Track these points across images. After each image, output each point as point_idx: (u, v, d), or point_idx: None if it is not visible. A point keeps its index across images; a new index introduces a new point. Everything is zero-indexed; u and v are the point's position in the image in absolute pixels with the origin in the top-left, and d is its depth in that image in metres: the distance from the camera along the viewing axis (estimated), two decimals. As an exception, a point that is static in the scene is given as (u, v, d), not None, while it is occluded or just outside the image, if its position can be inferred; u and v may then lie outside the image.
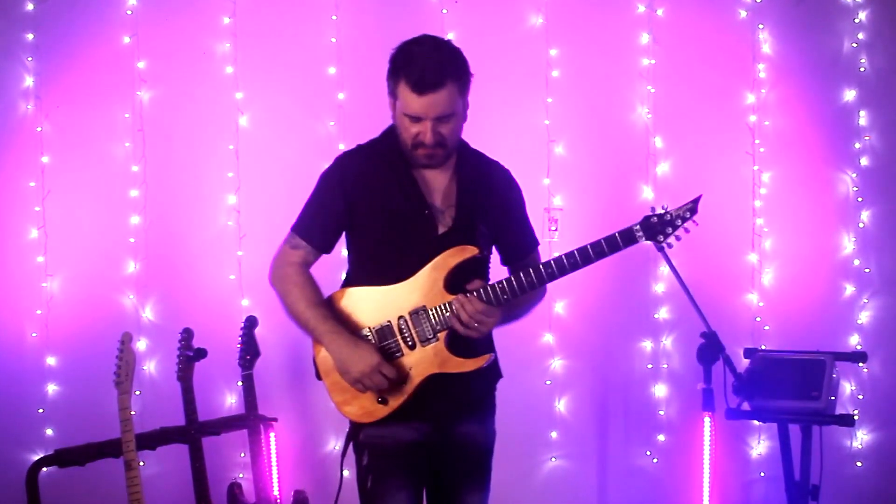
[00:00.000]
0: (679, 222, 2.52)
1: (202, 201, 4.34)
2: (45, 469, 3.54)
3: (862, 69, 4.42)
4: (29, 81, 4.31)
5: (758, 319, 4.41)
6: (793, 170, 4.43)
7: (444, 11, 4.34)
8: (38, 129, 4.30)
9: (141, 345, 4.29)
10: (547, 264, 2.54)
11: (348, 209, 2.64)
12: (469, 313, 2.52)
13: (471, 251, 2.57)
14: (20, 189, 4.29)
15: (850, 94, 4.43)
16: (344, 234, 2.72)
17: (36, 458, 3.83)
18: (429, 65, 2.52)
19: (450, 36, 4.30)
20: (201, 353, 3.58)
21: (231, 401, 4.31)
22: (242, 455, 4.24)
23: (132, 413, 3.31)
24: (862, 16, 4.43)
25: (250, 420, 3.76)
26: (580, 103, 4.41)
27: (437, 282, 2.56)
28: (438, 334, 2.56)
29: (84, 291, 4.30)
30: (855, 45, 4.43)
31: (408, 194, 2.62)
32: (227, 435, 3.88)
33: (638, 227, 2.52)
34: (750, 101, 4.42)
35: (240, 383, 3.83)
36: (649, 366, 4.44)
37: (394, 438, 2.62)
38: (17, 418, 4.27)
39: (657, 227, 2.51)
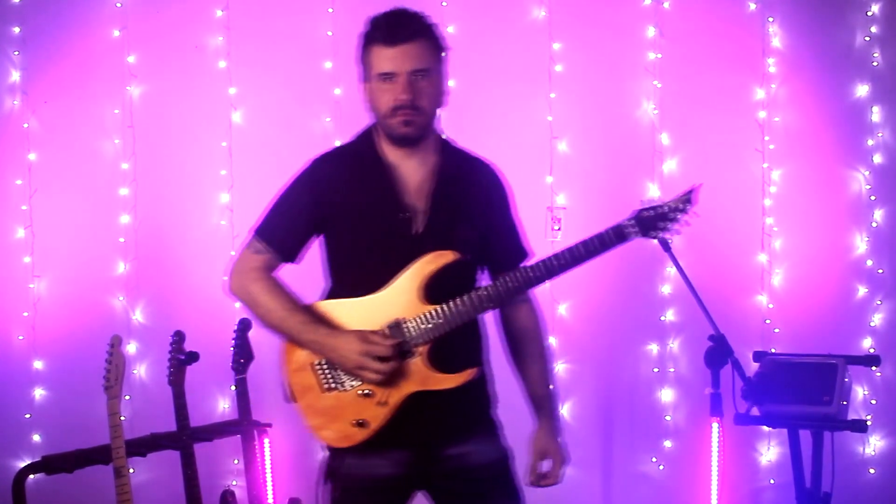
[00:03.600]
0: (675, 215, 2.39)
1: (194, 200, 4.35)
2: (31, 476, 3.53)
3: (875, 63, 4.43)
4: (15, 76, 4.31)
5: (767, 322, 4.41)
6: (803, 167, 4.44)
7: (444, 4, 4.34)
8: (25, 125, 4.30)
9: (131, 348, 4.29)
10: (533, 266, 2.42)
11: (320, 216, 2.53)
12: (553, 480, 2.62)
13: (449, 256, 2.44)
14: (6, 187, 4.30)
15: (862, 90, 4.44)
16: (324, 247, 2.61)
17: (22, 464, 3.83)
18: (400, 18, 2.47)
19: (449, 30, 4.30)
20: (193, 357, 3.57)
21: (224, 406, 4.32)
22: (236, 462, 4.24)
23: (122, 418, 3.31)
24: (875, 9, 4.43)
25: (244, 426, 3.76)
26: (584, 99, 4.41)
27: (413, 291, 2.43)
28: (418, 349, 2.43)
29: (72, 293, 4.30)
30: (867, 38, 4.43)
31: (382, 196, 2.50)
32: (219, 441, 3.88)
33: (630, 222, 2.39)
34: (759, 97, 4.42)
35: (233, 388, 3.83)
36: (655, 370, 4.44)
37: (369, 472, 2.50)
38: (3, 424, 4.28)
39: (651, 222, 2.38)
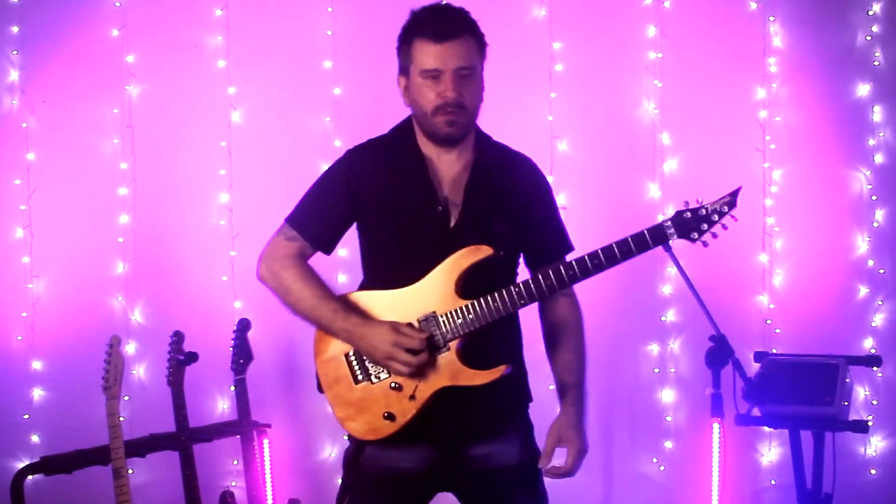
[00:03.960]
0: (716, 217, 2.40)
1: (193, 200, 4.35)
2: (30, 477, 3.54)
3: (876, 63, 4.42)
4: (14, 76, 4.31)
5: (768, 322, 4.41)
6: (805, 167, 4.43)
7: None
8: (24, 125, 4.30)
9: (130, 348, 4.29)
10: (568, 265, 2.41)
11: (354, 207, 2.53)
12: (566, 469, 2.53)
13: (485, 251, 2.43)
14: (5, 187, 4.29)
15: (863, 89, 4.44)
16: (359, 239, 2.62)
17: (21, 465, 3.83)
18: (446, 14, 2.49)
19: (450, 29, 4.29)
20: (192, 357, 3.58)
21: (223, 406, 4.31)
22: (235, 462, 4.24)
23: (121, 419, 3.31)
24: (876, 8, 4.43)
25: (243, 426, 3.76)
26: (584, 98, 4.41)
27: (448, 285, 2.43)
28: (450, 343, 2.42)
29: (71, 293, 4.30)
30: (869, 38, 4.43)
31: (418, 188, 2.50)
32: (219, 442, 3.88)
33: (669, 223, 2.40)
34: (760, 96, 4.42)
35: (232, 388, 3.83)
36: (656, 370, 4.44)
37: (388, 465, 2.50)
38: (1, 424, 4.27)
39: (691, 224, 2.39)
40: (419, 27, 2.46)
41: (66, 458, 3.49)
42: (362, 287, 2.60)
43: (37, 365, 4.30)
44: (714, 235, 2.43)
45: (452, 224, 2.50)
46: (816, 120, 4.44)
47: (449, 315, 2.42)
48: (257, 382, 3.90)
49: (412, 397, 2.43)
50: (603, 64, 4.43)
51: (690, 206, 2.41)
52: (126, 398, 4.19)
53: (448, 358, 2.42)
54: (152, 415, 4.05)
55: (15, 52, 4.30)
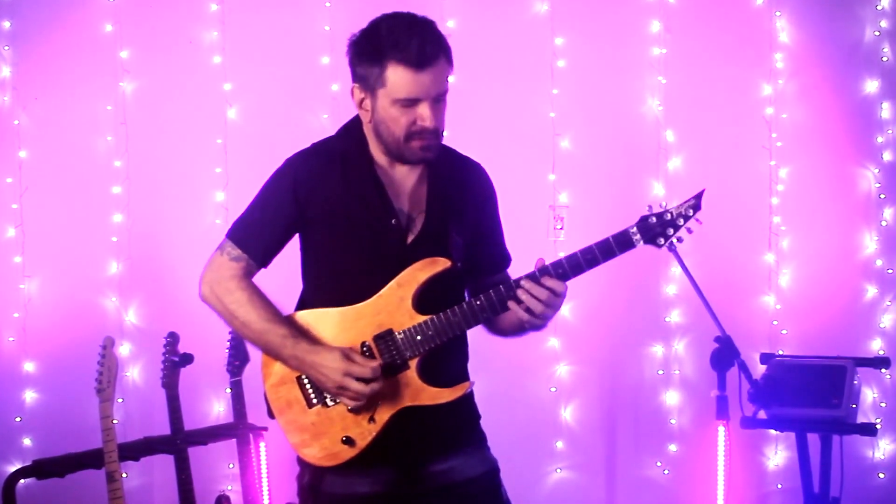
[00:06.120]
0: (681, 221, 2.30)
1: (188, 198, 4.35)
2: (22, 481, 3.53)
3: (884, 59, 4.42)
4: (5, 72, 4.31)
5: (775, 323, 4.41)
6: (811, 165, 4.43)
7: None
8: (16, 122, 4.30)
9: (124, 350, 4.29)
10: (536, 273, 2.31)
11: (301, 219, 2.42)
12: (544, 301, 2.29)
13: (442, 263, 2.33)
14: (-4, 185, 4.31)
15: (871, 86, 4.43)
16: (302, 252, 2.51)
17: (13, 469, 3.83)
18: (425, 36, 2.30)
19: (450, 24, 4.30)
20: (187, 359, 3.57)
21: (219, 409, 4.32)
22: (231, 466, 4.24)
23: (114, 422, 3.31)
24: (885, 3, 4.43)
25: (239, 429, 3.76)
26: (587, 95, 4.41)
27: (404, 300, 2.32)
28: (409, 361, 2.32)
29: (64, 293, 4.30)
30: (877, 33, 4.43)
31: (372, 200, 2.38)
32: (214, 445, 3.88)
33: (634, 229, 2.31)
34: (766, 93, 4.42)
35: (228, 390, 3.83)
36: (660, 372, 4.44)
37: (349, 490, 2.40)
38: (-7, 427, 4.28)
39: (656, 229, 2.30)
40: (395, 49, 2.28)
41: (59, 462, 3.49)
42: (303, 301, 2.49)
43: (29, 367, 4.30)
44: (679, 240, 2.35)
45: (411, 237, 2.40)
46: (824, 117, 4.44)
47: (407, 332, 2.33)
48: (253, 385, 3.87)
49: (371, 420, 2.35)
50: (606, 60, 4.43)
51: (654, 211, 2.32)
52: (120, 400, 4.19)
53: (408, 377, 2.33)
54: (146, 417, 4.05)
55: (7, 48, 4.30)
